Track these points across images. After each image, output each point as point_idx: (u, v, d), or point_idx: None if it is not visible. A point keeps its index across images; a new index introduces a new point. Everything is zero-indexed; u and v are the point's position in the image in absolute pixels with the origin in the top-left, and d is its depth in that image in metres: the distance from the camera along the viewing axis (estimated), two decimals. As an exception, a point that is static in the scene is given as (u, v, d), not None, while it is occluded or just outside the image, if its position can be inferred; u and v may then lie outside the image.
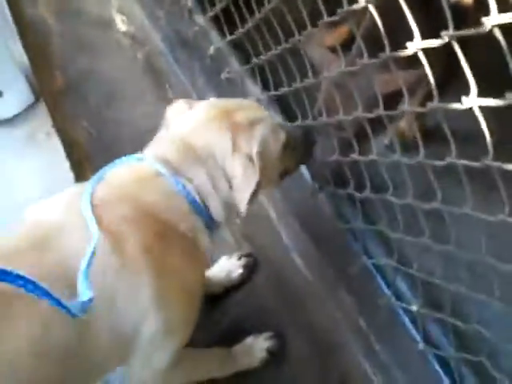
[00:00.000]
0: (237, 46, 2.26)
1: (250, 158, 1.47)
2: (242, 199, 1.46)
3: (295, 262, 2.18)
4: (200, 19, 2.42)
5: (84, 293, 1.13)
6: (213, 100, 1.64)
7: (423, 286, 1.68)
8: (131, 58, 2.92)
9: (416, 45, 1.08)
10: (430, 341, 1.76)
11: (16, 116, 2.52)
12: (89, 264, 1.19)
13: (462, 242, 1.42)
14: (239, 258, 2.17)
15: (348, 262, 1.95)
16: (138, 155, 1.51)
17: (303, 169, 2.05)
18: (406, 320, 1.80)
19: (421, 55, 1.10)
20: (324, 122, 1.76)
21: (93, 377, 1.43)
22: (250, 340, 1.97)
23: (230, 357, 1.90)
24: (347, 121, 1.64)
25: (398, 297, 1.82)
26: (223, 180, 1.48)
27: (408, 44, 1.09)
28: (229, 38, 2.15)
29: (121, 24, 3.04)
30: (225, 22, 2.20)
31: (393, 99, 1.49)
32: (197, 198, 1.46)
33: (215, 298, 2.12)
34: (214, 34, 2.37)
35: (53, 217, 1.34)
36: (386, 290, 1.84)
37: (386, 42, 1.21)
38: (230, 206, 1.51)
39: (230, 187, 1.48)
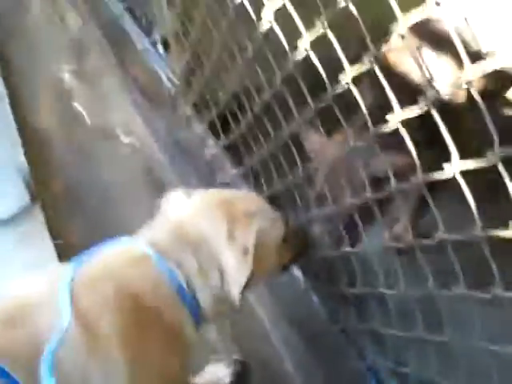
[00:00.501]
0: (231, 149, 2.30)
1: (245, 250, 1.42)
2: (234, 291, 1.42)
3: (286, 367, 2.08)
4: (197, 127, 2.48)
5: (47, 380, 1.07)
6: (212, 190, 1.62)
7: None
8: (130, 166, 2.97)
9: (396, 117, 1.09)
10: None
11: (10, 218, 2.51)
12: (54, 349, 1.13)
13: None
14: (228, 365, 2.07)
15: (340, 365, 1.86)
16: (128, 238, 1.49)
17: (294, 268, 2.01)
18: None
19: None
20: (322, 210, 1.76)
21: None
22: None
23: None
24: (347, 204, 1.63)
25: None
26: (215, 270, 1.43)
27: (388, 117, 1.10)
28: (223, 141, 2.19)
29: (121, 134, 3.11)
30: (221, 127, 2.25)
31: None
32: (184, 285, 1.41)
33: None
34: (210, 141, 2.41)
35: (31, 293, 1.31)
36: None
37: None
38: (220, 299, 1.46)
39: (222, 278, 1.43)
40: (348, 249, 1.66)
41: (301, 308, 2.06)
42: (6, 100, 3.11)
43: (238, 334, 2.21)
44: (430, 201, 1.24)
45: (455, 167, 1.04)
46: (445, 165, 1.06)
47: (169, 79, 2.79)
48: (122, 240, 1.48)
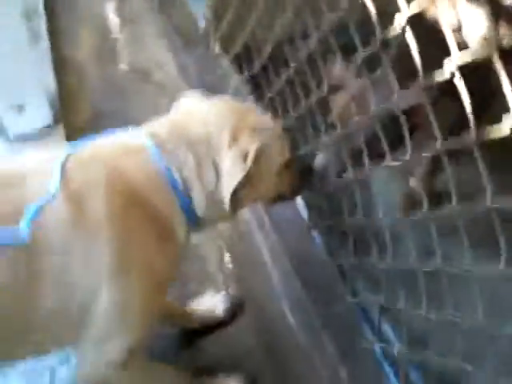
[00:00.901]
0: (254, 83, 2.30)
1: (245, 156, 1.40)
2: (225, 192, 1.39)
3: (282, 308, 2.07)
4: (225, 62, 2.48)
5: (23, 226, 1.09)
6: (228, 99, 1.58)
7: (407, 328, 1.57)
8: (156, 103, 2.98)
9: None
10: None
11: (32, 134, 2.55)
12: (39, 207, 1.15)
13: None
14: (224, 297, 2.07)
15: (334, 305, 1.85)
16: (130, 130, 1.47)
17: (301, 208, 2.00)
18: (388, 370, 1.67)
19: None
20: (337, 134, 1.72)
21: (34, 344, 1.34)
22: (221, 378, 1.84)
23: None
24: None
25: (382, 341, 1.70)
26: (211, 170, 1.40)
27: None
28: (246, 74, 2.18)
29: (153, 72, 3.13)
30: (245, 60, 2.25)
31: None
32: (179, 181, 1.39)
33: (194, 333, 2.02)
34: (234, 76, 2.41)
35: (29, 162, 1.33)
36: (371, 334, 1.72)
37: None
38: (214, 201, 1.43)
39: (218, 179, 1.41)
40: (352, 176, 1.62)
41: (302, 245, 2.05)
42: (45, 31, 3.14)
43: (238, 269, 2.22)
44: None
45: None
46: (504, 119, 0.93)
47: (205, 19, 2.79)
48: (123, 131, 1.46)
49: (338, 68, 1.79)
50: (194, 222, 1.46)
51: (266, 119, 1.56)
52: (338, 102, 1.79)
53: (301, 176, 1.69)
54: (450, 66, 1.00)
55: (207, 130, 1.42)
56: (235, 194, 1.40)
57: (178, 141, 1.40)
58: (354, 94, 1.68)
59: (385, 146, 1.46)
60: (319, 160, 1.80)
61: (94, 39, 3.39)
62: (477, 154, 1.02)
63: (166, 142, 1.40)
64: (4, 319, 1.22)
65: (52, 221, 1.22)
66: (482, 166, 1.02)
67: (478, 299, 1.24)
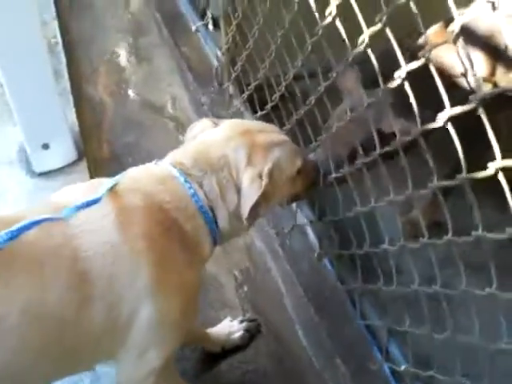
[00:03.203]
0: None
1: (260, 175, 1.57)
2: (245, 208, 1.54)
3: (296, 332, 2.19)
4: (238, 101, 2.63)
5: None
6: (237, 120, 1.78)
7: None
8: (174, 139, 3.14)
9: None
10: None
11: (57, 170, 2.70)
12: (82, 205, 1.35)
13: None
14: (242, 322, 2.20)
15: (346, 330, 1.97)
16: (155, 162, 1.61)
17: (312, 238, 2.14)
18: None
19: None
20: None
21: (80, 362, 1.49)
22: (238, 401, 1.96)
23: None
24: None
25: (390, 361, 1.82)
26: (232, 192, 1.56)
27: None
28: (259, 113, 2.33)
29: (168, 108, 3.30)
30: (258, 101, 2.40)
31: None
32: (205, 204, 1.54)
33: (213, 357, 2.14)
34: (247, 114, 2.56)
35: (70, 198, 1.46)
36: (379, 355, 1.84)
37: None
38: (236, 219, 1.58)
39: (238, 198, 1.57)
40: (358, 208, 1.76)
41: (314, 273, 2.18)
42: (65, 69, 3.32)
43: (254, 297, 2.35)
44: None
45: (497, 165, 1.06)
46: (490, 164, 1.06)
47: (217, 58, 2.95)
48: (150, 164, 1.61)
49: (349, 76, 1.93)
50: (219, 237, 1.62)
51: (275, 135, 1.72)
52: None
53: (311, 179, 1.85)
54: (443, 116, 1.15)
55: (224, 154, 1.58)
56: (252, 210, 1.54)
57: (202, 168, 1.56)
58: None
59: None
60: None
61: (110, 77, 3.56)
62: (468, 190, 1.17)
63: (191, 170, 1.56)
64: (62, 339, 1.36)
65: (100, 242, 1.37)
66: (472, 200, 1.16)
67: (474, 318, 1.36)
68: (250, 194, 1.54)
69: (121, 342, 1.45)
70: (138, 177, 1.55)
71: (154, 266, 1.40)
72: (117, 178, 1.51)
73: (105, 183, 1.46)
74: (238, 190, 1.57)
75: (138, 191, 1.47)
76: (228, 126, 1.69)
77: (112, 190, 1.44)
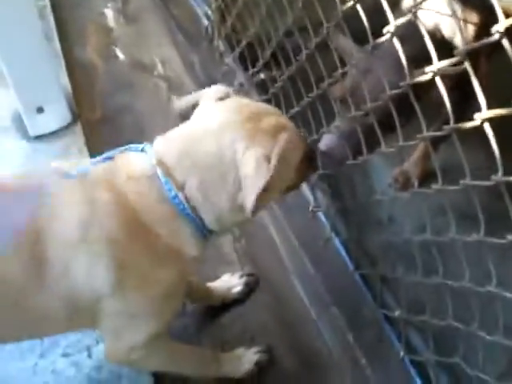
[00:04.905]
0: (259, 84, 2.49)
1: (267, 157, 1.38)
2: (249, 197, 1.36)
3: (293, 284, 2.27)
4: (229, 61, 2.65)
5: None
6: (238, 101, 1.54)
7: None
8: (166, 99, 3.16)
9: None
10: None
11: (52, 133, 2.73)
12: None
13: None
14: (241, 276, 2.26)
15: (341, 280, 2.04)
16: (144, 146, 1.50)
17: (306, 191, 2.19)
18: (392, 335, 1.87)
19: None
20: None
21: (54, 328, 1.57)
22: (240, 350, 2.01)
23: (215, 361, 1.92)
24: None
25: (384, 307, 1.90)
26: (219, 194, 1.43)
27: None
28: (251, 71, 2.35)
29: (158, 68, 3.31)
30: (249, 58, 2.42)
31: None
32: (186, 205, 1.43)
33: (213, 311, 2.21)
34: (239, 73, 2.58)
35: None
36: (373, 303, 1.92)
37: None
38: (225, 217, 1.48)
39: (231, 197, 1.42)
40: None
41: (308, 226, 2.24)
42: (55, 32, 3.31)
43: (252, 254, 2.41)
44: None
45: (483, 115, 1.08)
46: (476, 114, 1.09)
47: (206, 17, 2.96)
48: (135, 149, 1.51)
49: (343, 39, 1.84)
50: (211, 234, 1.53)
51: (281, 119, 1.56)
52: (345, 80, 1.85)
53: (313, 164, 1.73)
54: (431, 69, 1.19)
55: (215, 150, 1.41)
56: (258, 200, 1.35)
57: (186, 167, 1.42)
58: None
59: (379, 133, 1.64)
60: (325, 140, 1.84)
61: (99, 39, 3.55)
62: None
63: (173, 169, 1.42)
64: (25, 310, 1.42)
65: (61, 229, 1.38)
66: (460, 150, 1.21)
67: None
68: (256, 179, 1.35)
69: (91, 320, 1.48)
70: (114, 169, 1.46)
71: (114, 266, 1.38)
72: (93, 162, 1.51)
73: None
74: (236, 181, 1.40)
75: (114, 186, 1.41)
76: (226, 109, 1.49)
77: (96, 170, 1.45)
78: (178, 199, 1.41)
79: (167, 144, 1.48)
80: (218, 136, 1.42)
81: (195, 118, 1.53)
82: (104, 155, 1.52)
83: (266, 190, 1.35)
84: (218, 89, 1.57)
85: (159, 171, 1.42)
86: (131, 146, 1.52)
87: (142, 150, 1.48)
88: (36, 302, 1.41)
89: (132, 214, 1.40)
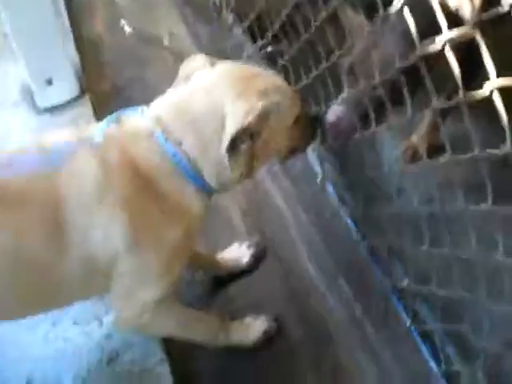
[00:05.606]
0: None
1: (253, 108, 1.46)
2: (225, 139, 1.45)
3: (300, 254, 2.29)
4: (237, 33, 2.64)
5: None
6: (233, 64, 1.64)
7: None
8: (174, 71, 3.15)
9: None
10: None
11: (61, 105, 2.74)
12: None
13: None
14: (249, 247, 2.29)
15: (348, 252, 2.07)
16: (142, 109, 1.57)
17: (314, 162, 2.20)
18: (399, 306, 1.90)
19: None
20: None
21: (69, 297, 1.63)
22: (249, 319, 2.03)
23: (224, 328, 1.95)
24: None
25: (391, 278, 1.93)
26: (217, 146, 1.48)
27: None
28: (260, 43, 2.35)
29: (167, 41, 3.30)
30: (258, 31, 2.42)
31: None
32: (185, 161, 1.51)
33: (221, 281, 2.24)
34: (248, 45, 2.58)
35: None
36: (380, 274, 1.94)
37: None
38: (223, 173, 1.54)
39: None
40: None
41: (316, 197, 2.25)
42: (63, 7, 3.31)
43: (260, 224, 2.43)
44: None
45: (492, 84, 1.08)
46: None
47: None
48: (135, 112, 1.58)
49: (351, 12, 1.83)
50: (211, 191, 1.61)
51: (274, 79, 1.62)
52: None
53: (310, 127, 1.77)
54: (441, 39, 1.19)
55: (211, 107, 1.49)
56: (234, 149, 1.46)
57: (184, 124, 1.51)
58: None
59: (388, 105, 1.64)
60: (333, 111, 1.82)
61: (106, 11, 3.54)
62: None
63: (171, 127, 1.50)
64: (46, 279, 1.49)
65: (78, 192, 1.46)
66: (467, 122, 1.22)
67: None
68: (235, 119, 1.44)
69: (105, 284, 1.56)
70: (117, 132, 1.54)
71: (130, 229, 1.46)
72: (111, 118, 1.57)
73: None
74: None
75: (117, 147, 1.49)
76: (220, 71, 1.58)
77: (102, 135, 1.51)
78: (178, 157, 1.49)
79: (164, 105, 1.57)
80: (210, 93, 1.51)
81: (190, 81, 1.60)
82: (106, 119, 1.58)
83: (245, 145, 1.47)
84: (207, 57, 1.64)
85: (157, 129, 1.50)
86: (129, 109, 1.60)
87: (141, 113, 1.56)
88: (56, 269, 1.46)
89: (141, 175, 1.47)
